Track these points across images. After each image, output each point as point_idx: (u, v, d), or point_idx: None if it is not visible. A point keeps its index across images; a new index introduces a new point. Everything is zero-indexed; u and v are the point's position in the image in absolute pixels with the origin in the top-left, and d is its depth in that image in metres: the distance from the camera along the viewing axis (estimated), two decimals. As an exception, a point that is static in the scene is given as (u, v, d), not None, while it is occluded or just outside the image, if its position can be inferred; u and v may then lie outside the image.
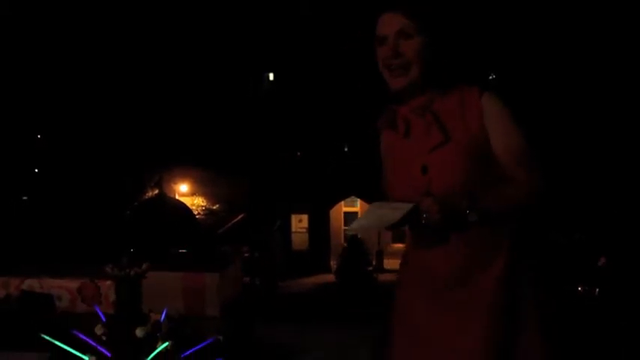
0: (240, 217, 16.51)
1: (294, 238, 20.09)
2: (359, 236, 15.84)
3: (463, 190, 1.84)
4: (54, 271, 5.50)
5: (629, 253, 10.36)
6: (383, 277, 15.65)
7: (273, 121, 17.98)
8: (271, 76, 19.58)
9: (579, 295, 9.43)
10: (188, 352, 4.06)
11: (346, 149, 19.23)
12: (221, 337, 4.53)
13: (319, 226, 19.96)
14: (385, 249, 18.94)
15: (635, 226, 11.22)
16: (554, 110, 12.46)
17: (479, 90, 1.93)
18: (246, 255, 13.73)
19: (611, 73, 12.32)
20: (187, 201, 17.05)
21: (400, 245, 17.00)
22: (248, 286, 13.07)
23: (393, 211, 1.84)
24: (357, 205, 21.04)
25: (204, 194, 18.40)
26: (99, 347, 3.83)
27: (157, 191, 14.38)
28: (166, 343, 3.90)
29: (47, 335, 3.88)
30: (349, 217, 20.89)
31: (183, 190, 18.08)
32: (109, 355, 3.82)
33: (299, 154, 19.35)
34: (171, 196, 16.36)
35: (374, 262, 17.14)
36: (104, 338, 3.88)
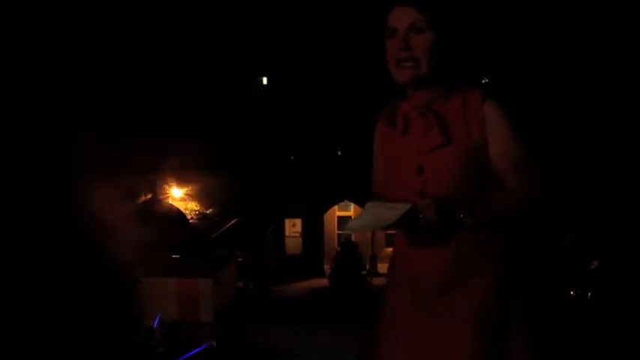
0: (233, 221, 16.49)
1: (288, 242, 20.09)
2: (352, 238, 15.82)
3: (458, 193, 1.84)
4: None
5: (622, 257, 10.39)
6: (377, 281, 15.64)
7: (267, 126, 17.98)
8: (265, 80, 19.60)
9: (572, 299, 9.45)
10: (182, 358, 4.07)
11: (340, 153, 19.26)
12: (214, 343, 4.53)
13: (313, 230, 19.96)
14: (379, 253, 18.95)
15: (630, 229, 11.26)
16: (548, 113, 12.50)
17: (482, 95, 1.93)
18: (240, 259, 13.72)
19: (603, 77, 12.37)
20: (181, 205, 17.03)
21: (394, 249, 16.94)
22: (241, 290, 13.06)
23: (390, 211, 1.81)
24: (350, 210, 21.04)
25: (197, 198, 18.38)
26: None
27: (149, 196, 14.35)
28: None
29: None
30: (343, 221, 20.88)
31: (176, 194, 18.06)
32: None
33: (292, 158, 19.36)
34: (165, 200, 16.33)
35: (367, 266, 17.13)
36: None
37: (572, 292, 9.66)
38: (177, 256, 8.06)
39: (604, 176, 12.42)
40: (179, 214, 14.12)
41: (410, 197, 1.85)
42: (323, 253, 19.62)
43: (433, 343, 1.88)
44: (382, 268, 17.57)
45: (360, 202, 18.79)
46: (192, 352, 4.11)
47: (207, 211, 18.39)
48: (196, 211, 18.35)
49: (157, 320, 4.08)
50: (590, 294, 9.42)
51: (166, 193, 17.67)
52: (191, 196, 18.31)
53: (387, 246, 19.28)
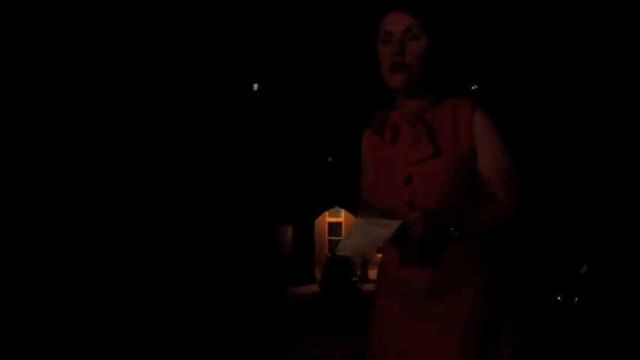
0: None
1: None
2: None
3: (447, 204, 1.84)
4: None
5: (615, 260, 10.46)
6: (368, 287, 15.67)
7: (258, 129, 17.96)
8: (255, 87, 19.60)
9: (559, 304, 9.51)
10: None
11: (330, 159, 19.29)
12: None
13: (304, 236, 19.95)
14: (370, 259, 18.97)
15: (625, 233, 11.35)
16: (543, 121, 12.60)
17: (472, 104, 1.93)
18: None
19: (597, 82, 12.47)
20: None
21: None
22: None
23: (381, 229, 1.79)
24: (341, 216, 21.09)
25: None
26: None
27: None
28: None
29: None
30: (333, 227, 20.93)
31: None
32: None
33: (282, 164, 19.36)
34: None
35: (358, 273, 17.16)
36: None
37: (559, 298, 9.73)
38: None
39: (600, 180, 12.52)
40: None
41: (398, 207, 1.86)
42: (314, 259, 19.63)
43: (423, 349, 1.88)
44: (373, 274, 17.58)
45: (351, 208, 18.83)
46: None
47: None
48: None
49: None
50: (576, 299, 9.49)
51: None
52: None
53: (378, 252, 19.29)
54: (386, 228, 1.78)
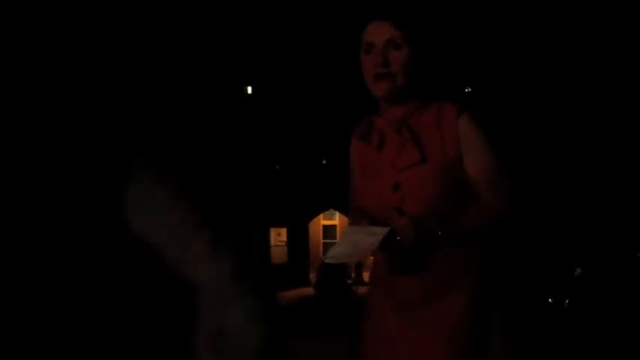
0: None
1: (273, 251, 20.05)
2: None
3: (435, 209, 1.86)
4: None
5: (611, 261, 10.49)
6: (362, 289, 15.67)
7: (251, 134, 17.96)
8: (249, 90, 19.60)
9: (551, 306, 9.53)
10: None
11: (324, 162, 19.31)
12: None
13: (298, 239, 19.95)
14: (364, 262, 18.94)
15: (625, 233, 11.39)
16: (545, 118, 12.64)
17: (457, 108, 1.93)
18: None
19: (597, 83, 12.53)
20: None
21: (379, 258, 17.00)
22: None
23: (369, 237, 1.82)
24: (335, 218, 21.10)
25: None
26: None
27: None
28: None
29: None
30: (328, 230, 20.93)
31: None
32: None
33: (277, 167, 19.37)
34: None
35: (353, 275, 17.16)
36: None
37: (550, 300, 9.75)
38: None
39: (600, 180, 12.57)
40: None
41: (387, 213, 1.86)
42: (309, 262, 19.62)
43: (415, 349, 1.90)
44: (367, 277, 17.59)
45: (346, 211, 18.80)
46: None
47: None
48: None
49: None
50: (567, 301, 9.52)
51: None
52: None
53: (373, 254, 19.33)
54: (374, 236, 1.82)
